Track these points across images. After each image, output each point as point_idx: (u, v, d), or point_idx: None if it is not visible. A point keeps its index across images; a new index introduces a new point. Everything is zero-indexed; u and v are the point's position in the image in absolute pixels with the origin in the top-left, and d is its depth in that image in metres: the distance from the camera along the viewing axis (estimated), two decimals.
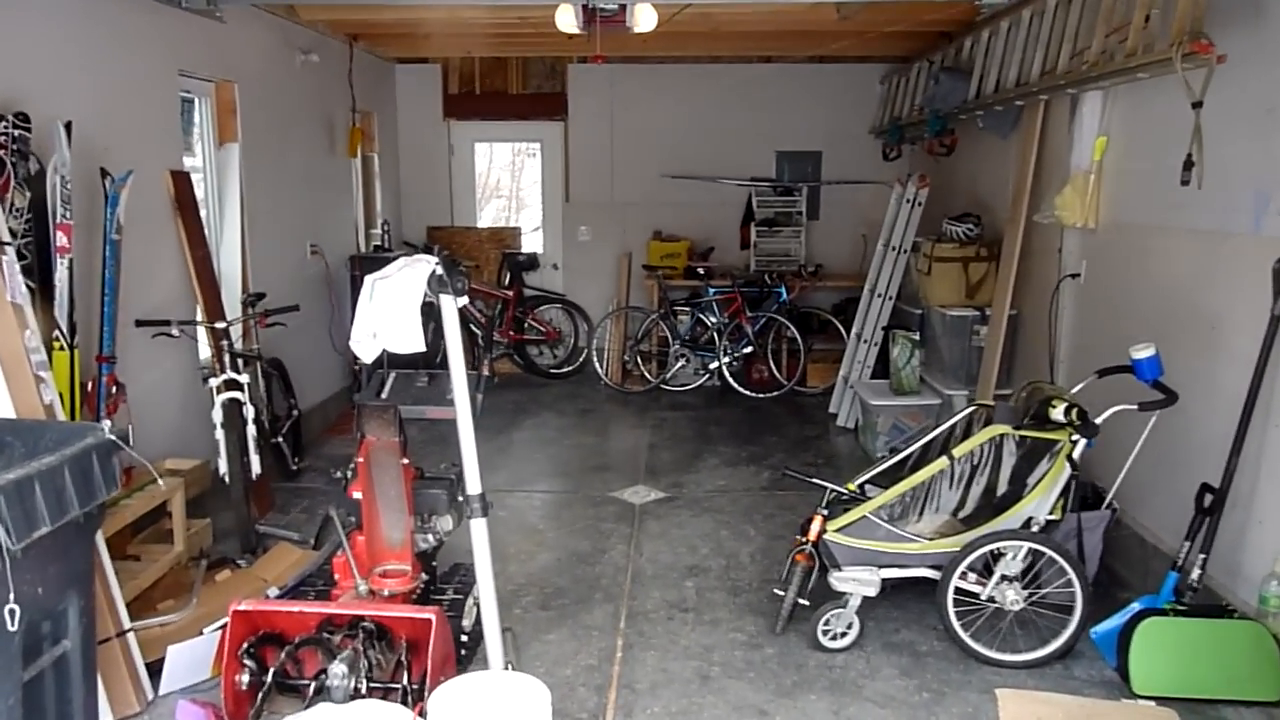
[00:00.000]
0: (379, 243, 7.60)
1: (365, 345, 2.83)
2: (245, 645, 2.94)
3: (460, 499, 3.39)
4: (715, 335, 7.66)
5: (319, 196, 6.64)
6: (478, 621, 3.24)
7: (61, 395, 3.38)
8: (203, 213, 5.26)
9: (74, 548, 2.58)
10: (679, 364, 7.75)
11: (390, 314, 2.78)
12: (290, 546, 4.18)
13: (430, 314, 2.77)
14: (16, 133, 3.40)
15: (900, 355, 6.00)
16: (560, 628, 3.75)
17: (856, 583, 3.49)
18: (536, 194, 9.09)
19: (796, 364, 7.57)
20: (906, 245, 6.50)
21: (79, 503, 2.47)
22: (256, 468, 4.47)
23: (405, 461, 3.11)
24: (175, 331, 4.31)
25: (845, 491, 3.72)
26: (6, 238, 3.01)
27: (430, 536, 3.38)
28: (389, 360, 2.67)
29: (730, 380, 7.58)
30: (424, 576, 3.28)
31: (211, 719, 3.01)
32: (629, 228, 8.58)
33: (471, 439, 2.77)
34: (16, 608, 2.25)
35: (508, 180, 10.08)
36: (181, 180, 4.71)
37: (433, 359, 2.82)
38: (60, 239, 3.37)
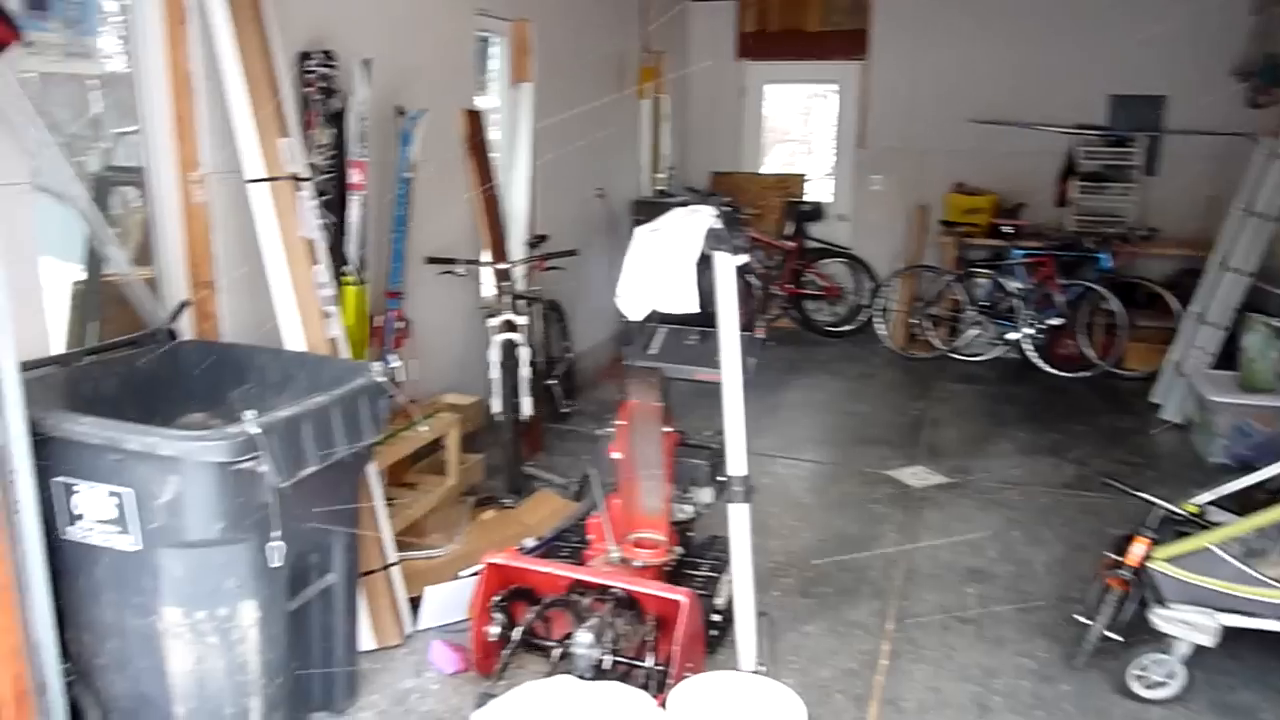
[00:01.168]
0: (663, 187, 7.47)
1: (632, 301, 2.63)
2: (496, 598, 2.90)
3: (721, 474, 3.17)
4: (1018, 303, 6.87)
5: (606, 138, 6.58)
6: (732, 599, 3.01)
7: (349, 329, 3.48)
8: (493, 153, 5.32)
9: (341, 485, 2.61)
10: (972, 332, 7.05)
11: (662, 270, 2.54)
12: (552, 493, 4.16)
13: (705, 266, 2.52)
14: (323, 70, 3.49)
15: (1256, 345, 5.01)
16: (820, 619, 3.43)
17: (1188, 626, 2.87)
18: (826, 139, 8.59)
19: (1114, 342, 6.62)
20: (1274, 212, 5.39)
21: (346, 442, 2.47)
22: (527, 410, 4.49)
23: (667, 429, 2.90)
24: (461, 270, 4.37)
25: (1181, 512, 3.08)
26: (305, 173, 3.08)
27: (688, 507, 3.17)
28: (660, 314, 2.51)
29: (1031, 354, 6.78)
30: (679, 549, 3.08)
31: (461, 663, 3.02)
32: (927, 178, 7.87)
33: (739, 413, 2.49)
34: (283, 544, 2.27)
35: (797, 125, 9.60)
36: (474, 119, 4.74)
37: (705, 313, 2.59)
38: (354, 175, 3.43)
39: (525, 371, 4.46)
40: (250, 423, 2.17)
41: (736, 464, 2.44)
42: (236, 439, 2.14)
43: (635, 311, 2.62)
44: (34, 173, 2.55)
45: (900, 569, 3.83)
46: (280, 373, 2.87)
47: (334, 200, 3.58)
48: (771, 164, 8.85)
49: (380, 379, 2.62)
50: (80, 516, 2.24)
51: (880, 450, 5.21)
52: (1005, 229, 7.01)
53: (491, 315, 4.48)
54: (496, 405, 4.37)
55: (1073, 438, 5.46)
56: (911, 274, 7.48)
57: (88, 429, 2.13)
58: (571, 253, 4.78)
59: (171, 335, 2.92)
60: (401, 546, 3.71)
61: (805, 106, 9.67)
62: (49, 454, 2.19)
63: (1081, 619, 3.13)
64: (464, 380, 4.77)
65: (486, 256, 4.75)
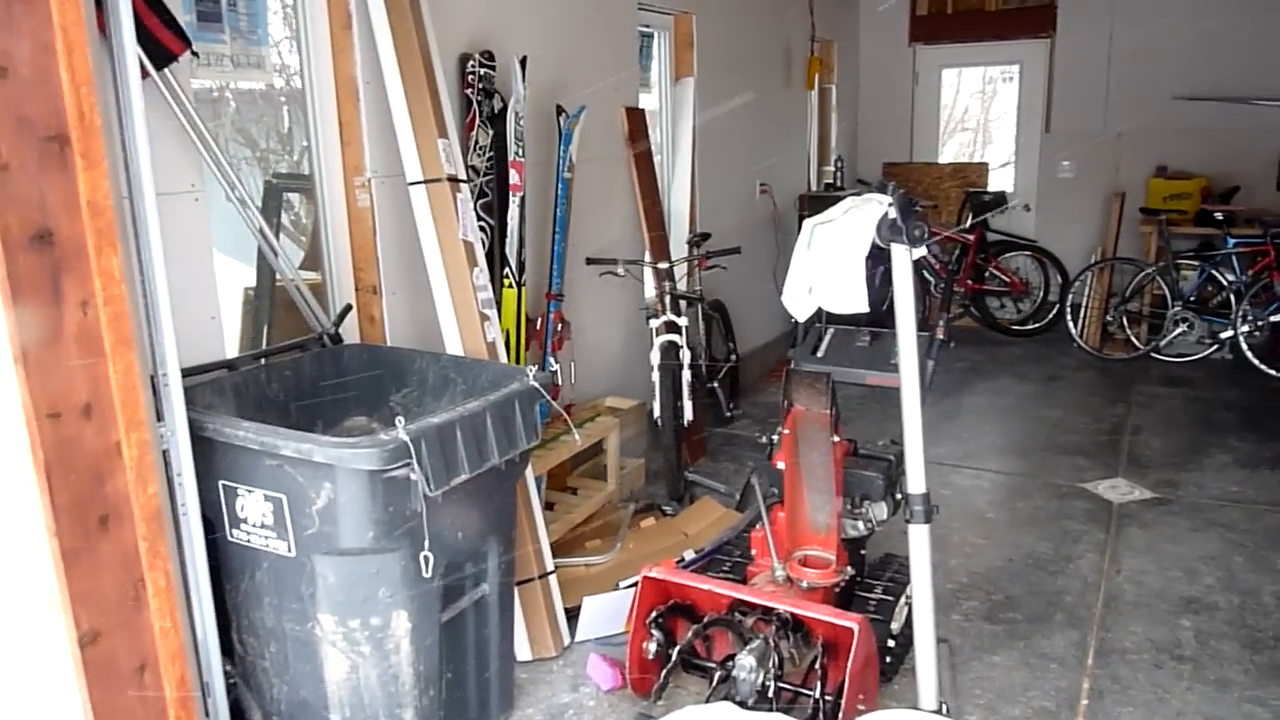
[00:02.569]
0: (831, 180, 7.18)
1: (799, 301, 2.43)
2: (654, 613, 2.76)
3: (898, 489, 2.92)
4: (1232, 297, 6.16)
5: (771, 132, 6.36)
6: (909, 623, 2.76)
7: (508, 332, 3.44)
8: (657, 151, 5.22)
9: (495, 494, 2.53)
10: (1178, 329, 6.38)
11: (830, 266, 2.33)
12: (714, 502, 3.99)
13: (879, 259, 2.29)
14: (482, 71, 3.46)
15: None
16: (1009, 649, 3.11)
17: None
18: (1008, 125, 8.02)
19: None
20: None
21: (499, 450, 2.39)
22: (689, 414, 4.35)
23: (836, 439, 2.67)
24: (621, 270, 4.28)
25: None
26: (463, 175, 3.04)
27: (860, 524, 2.93)
28: (827, 314, 2.32)
29: (1249, 354, 6.06)
30: (849, 569, 2.85)
31: (619, 680, 2.90)
32: (1124, 162, 7.22)
33: (918, 423, 2.25)
34: (431, 555, 2.21)
35: (976, 110, 9.05)
36: (635, 117, 4.65)
37: (878, 312, 2.37)
38: (513, 176, 3.38)
39: (687, 374, 4.32)
40: (401, 429, 2.11)
41: (916, 480, 2.21)
42: (387, 446, 2.09)
43: (801, 312, 2.42)
44: (209, 182, 2.61)
45: (1100, 595, 3.44)
46: (439, 376, 2.84)
47: (494, 202, 3.55)
48: (949, 153, 8.37)
49: (536, 384, 2.53)
50: (243, 520, 2.25)
51: (1074, 460, 4.76)
52: (1217, 215, 6.31)
53: (653, 316, 4.36)
54: (658, 409, 4.24)
55: None
56: (1107, 267, 6.85)
57: (247, 433, 2.14)
58: (734, 250, 4.59)
59: (336, 339, 2.95)
60: (560, 553, 3.65)
61: (985, 90, 9.11)
62: (214, 457, 2.21)
63: None
64: (626, 383, 4.68)
65: (648, 257, 4.64)
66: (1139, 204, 6.89)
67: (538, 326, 3.83)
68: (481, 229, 3.54)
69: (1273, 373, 5.99)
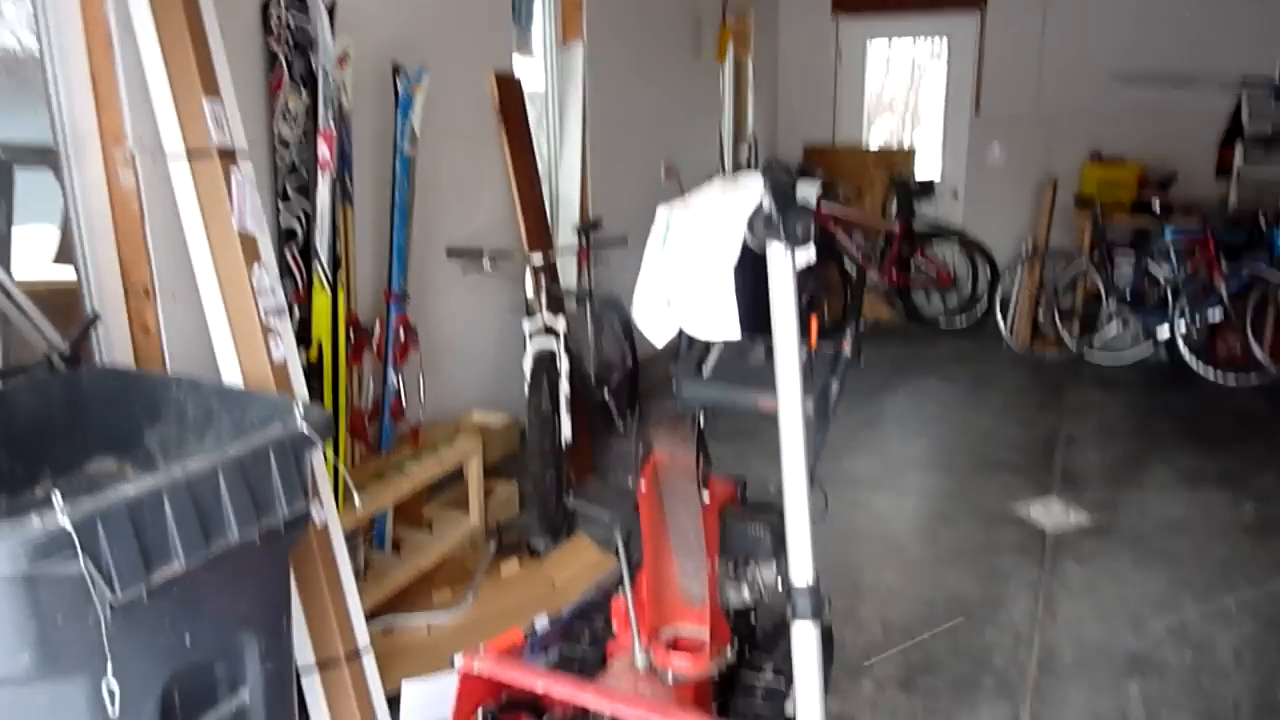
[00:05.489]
0: (746, 162, 6.61)
1: (654, 320, 1.83)
2: (483, 714, 2.14)
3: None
4: (1170, 293, 5.76)
5: (678, 107, 5.75)
6: None
7: (322, 344, 2.78)
8: (540, 126, 4.57)
9: (248, 575, 1.88)
10: (1113, 328, 5.96)
11: (690, 274, 1.73)
12: (589, 543, 3.39)
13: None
14: (291, 18, 2.78)
15: None
16: None
17: None
18: (937, 108, 7.54)
19: None
20: None
21: (241, 522, 1.74)
22: (567, 434, 3.73)
23: (705, 497, 2.08)
24: (487, 264, 3.63)
25: None
26: (241, 145, 2.36)
27: (746, 591, 2.35)
28: None
29: (1186, 356, 5.67)
30: (729, 651, 2.26)
31: None
32: (1057, 147, 6.79)
33: (803, 491, 1.66)
34: (116, 687, 1.56)
35: (902, 91, 8.56)
36: (509, 85, 3.99)
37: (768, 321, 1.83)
38: (321, 150, 2.71)
39: (565, 388, 3.71)
40: (61, 511, 1.46)
41: (800, 567, 1.63)
42: (36, 538, 1.43)
43: (659, 333, 1.81)
44: None
45: (1034, 653, 2.92)
46: (200, 410, 2.18)
47: (311, 183, 2.88)
48: (876, 138, 7.87)
49: (306, 427, 1.89)
50: None
51: (1004, 478, 4.26)
52: (1154, 204, 5.88)
53: (529, 317, 3.74)
54: (528, 428, 3.62)
55: (1248, 463, 4.40)
56: (1038, 259, 6.41)
57: None
58: (620, 241, 3.99)
59: (72, 360, 2.26)
60: (403, 607, 3.03)
61: (912, 70, 8.63)
62: None
63: None
64: (499, 396, 4.04)
65: (522, 247, 4.01)
66: (1072, 191, 6.45)
67: (376, 336, 3.17)
68: (296, 217, 2.87)
69: (1209, 376, 5.61)
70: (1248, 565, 3.45)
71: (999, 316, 6.41)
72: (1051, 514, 3.88)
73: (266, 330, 2.32)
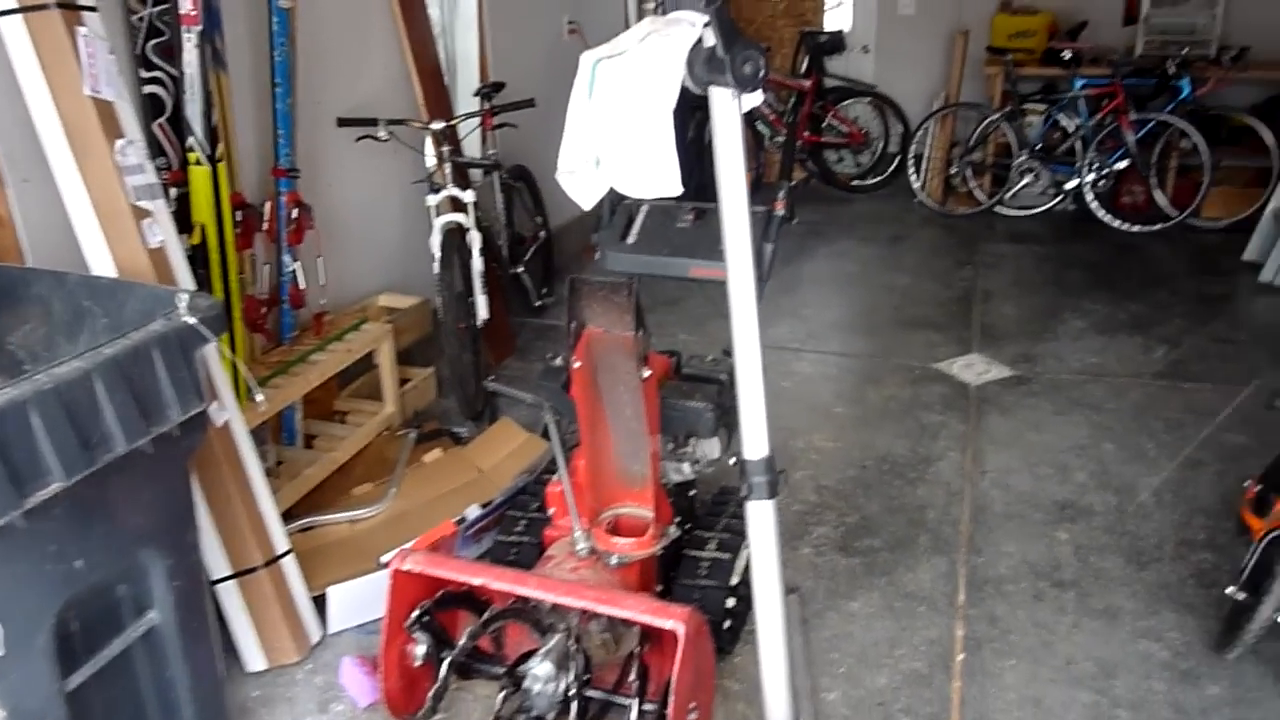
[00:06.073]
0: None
1: (580, 180, 1.64)
2: (417, 612, 2.02)
3: (733, 418, 2.24)
4: (1079, 144, 5.76)
5: None
6: (747, 580, 2.13)
7: (205, 228, 2.50)
8: None
9: (141, 489, 1.69)
10: (1024, 180, 5.95)
11: (624, 127, 1.54)
12: (515, 426, 3.25)
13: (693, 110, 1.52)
14: None
15: None
16: (869, 591, 2.58)
17: None
18: None
19: (1192, 187, 5.55)
20: None
21: (127, 430, 1.55)
22: (483, 311, 3.54)
23: (647, 370, 1.94)
24: (383, 134, 3.33)
25: None
26: (89, 1, 2.02)
27: (686, 466, 2.26)
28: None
29: (1093, 205, 5.72)
30: (672, 529, 2.18)
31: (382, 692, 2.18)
32: None
33: (756, 350, 1.54)
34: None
35: None
36: None
37: (700, 179, 1.67)
38: (184, 4, 2.37)
39: (478, 262, 3.49)
40: None
41: (755, 440, 1.52)
42: None
43: (586, 195, 1.63)
44: None
45: (967, 507, 2.95)
46: (69, 306, 1.92)
47: (176, 44, 2.53)
48: None
49: (191, 319, 1.67)
50: None
51: (926, 335, 4.26)
52: (1063, 54, 5.79)
53: (431, 192, 3.48)
54: (441, 309, 3.42)
55: (1157, 309, 4.49)
56: (949, 114, 6.31)
57: None
58: (527, 104, 3.72)
59: None
60: (322, 506, 2.87)
61: None
62: None
63: (1235, 595, 2.24)
64: (409, 277, 3.81)
65: (420, 114, 3.70)
66: (984, 44, 6.32)
67: (266, 216, 2.89)
68: (158, 82, 2.54)
69: (1115, 224, 5.68)
70: (1161, 408, 3.54)
71: (912, 174, 6.34)
72: (973, 368, 3.90)
73: (138, 213, 2.04)
